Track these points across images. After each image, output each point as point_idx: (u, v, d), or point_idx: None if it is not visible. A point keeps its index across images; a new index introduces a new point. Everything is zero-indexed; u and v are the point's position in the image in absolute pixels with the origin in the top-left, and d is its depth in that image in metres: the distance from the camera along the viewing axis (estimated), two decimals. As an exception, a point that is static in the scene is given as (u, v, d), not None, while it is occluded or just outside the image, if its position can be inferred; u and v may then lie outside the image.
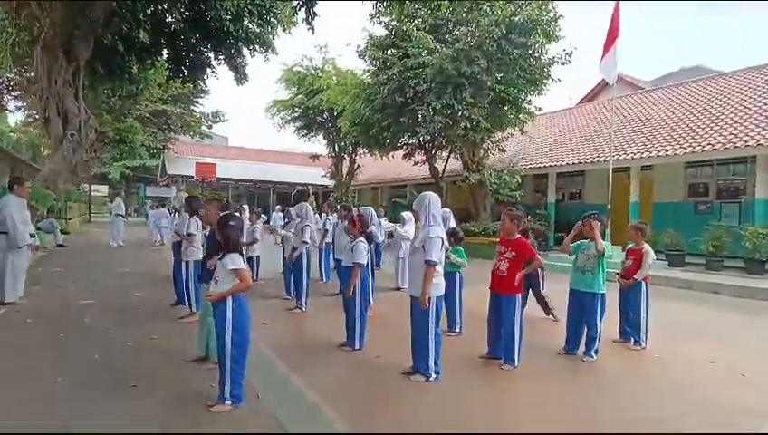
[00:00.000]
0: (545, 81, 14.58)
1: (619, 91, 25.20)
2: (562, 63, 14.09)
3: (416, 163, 18.86)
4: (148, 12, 13.33)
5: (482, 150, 15.97)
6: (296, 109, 24.14)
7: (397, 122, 15.69)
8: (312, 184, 31.34)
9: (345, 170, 25.19)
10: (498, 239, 5.00)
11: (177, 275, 6.28)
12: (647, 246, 5.40)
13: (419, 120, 14.73)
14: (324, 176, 26.76)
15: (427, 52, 13.43)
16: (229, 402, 3.24)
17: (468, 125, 13.64)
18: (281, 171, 31.67)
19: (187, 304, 6.06)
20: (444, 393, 3.73)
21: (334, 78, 22.98)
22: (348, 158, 24.99)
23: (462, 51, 12.82)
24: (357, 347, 4.73)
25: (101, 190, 37.10)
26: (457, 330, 5.45)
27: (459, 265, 5.50)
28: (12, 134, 36.74)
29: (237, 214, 4.36)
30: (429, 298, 3.81)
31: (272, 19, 13.07)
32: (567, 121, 20.21)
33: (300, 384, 3.77)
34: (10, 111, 26.53)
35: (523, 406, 3.61)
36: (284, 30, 13.65)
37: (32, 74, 13.79)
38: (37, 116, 27.29)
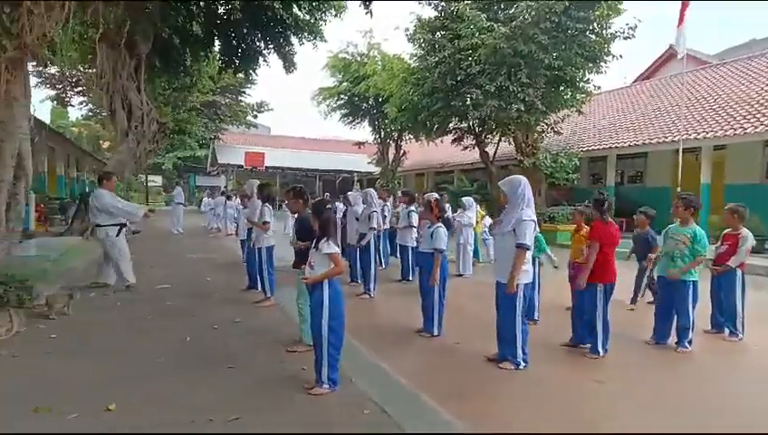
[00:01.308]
0: (606, 57, 13.84)
1: (682, 66, 23.80)
2: (625, 38, 13.29)
3: (465, 148, 18.50)
4: (201, 4, 13.62)
5: (536, 133, 15.43)
6: (341, 96, 24.16)
7: (447, 106, 15.38)
8: (356, 171, 31.53)
9: (391, 157, 25.08)
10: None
11: (249, 260, 6.41)
12: (744, 231, 5.01)
13: (471, 103, 14.38)
14: (370, 163, 26.78)
15: (480, 31, 13.01)
16: (327, 386, 3.26)
17: (523, 107, 13.17)
18: (326, 159, 31.97)
19: (260, 289, 6.20)
20: (538, 382, 3.62)
21: (379, 63, 22.81)
22: (393, 144, 24.85)
23: (518, 28, 12.32)
24: (436, 334, 4.67)
25: (156, 180, 38.76)
26: (535, 317, 5.29)
27: (553, 264, 5.40)
28: (73, 129, 38.97)
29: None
30: (517, 284, 3.68)
31: (324, 5, 13.01)
32: (624, 100, 19.19)
33: (389, 369, 3.76)
34: (73, 107, 28.06)
35: (626, 398, 3.44)
36: (336, 15, 13.57)
37: (94, 70, 14.46)
38: (97, 111, 28.83)
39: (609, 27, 12.88)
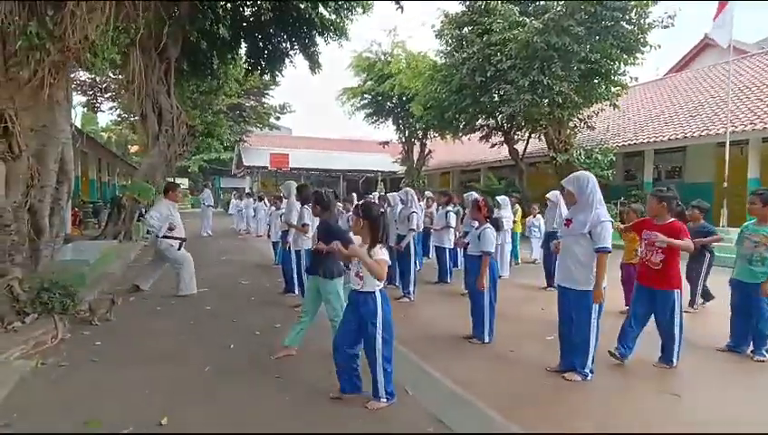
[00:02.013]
0: (642, 48, 13.29)
1: (719, 56, 22.80)
2: (664, 27, 12.74)
3: (493, 145, 18.11)
4: (228, 6, 13.67)
5: (568, 129, 14.97)
6: (365, 96, 24.03)
7: (475, 103, 15.06)
8: (380, 171, 31.38)
9: (416, 156, 24.83)
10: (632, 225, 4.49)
11: (285, 264, 6.29)
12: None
13: (501, 99, 14.03)
14: (395, 162, 26.59)
15: (511, 25, 12.65)
16: (384, 399, 3.08)
17: (560, 100, 12.76)
18: (349, 159, 31.91)
19: (297, 292, 6.07)
20: (610, 395, 3.35)
21: (404, 62, 22.58)
22: (418, 143, 24.60)
23: (552, 21, 11.92)
24: (487, 341, 4.44)
25: (182, 183, 39.42)
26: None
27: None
28: (103, 133, 39.92)
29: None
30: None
31: (351, 3, 12.86)
32: (660, 93, 18.48)
33: (445, 380, 3.54)
34: (103, 112, 28.69)
35: (707, 413, 3.14)
36: (364, 12, 13.40)
37: (122, 76, 14.66)
38: (126, 115, 29.41)
39: (647, 16, 12.35)
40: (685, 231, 3.92)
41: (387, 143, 26.23)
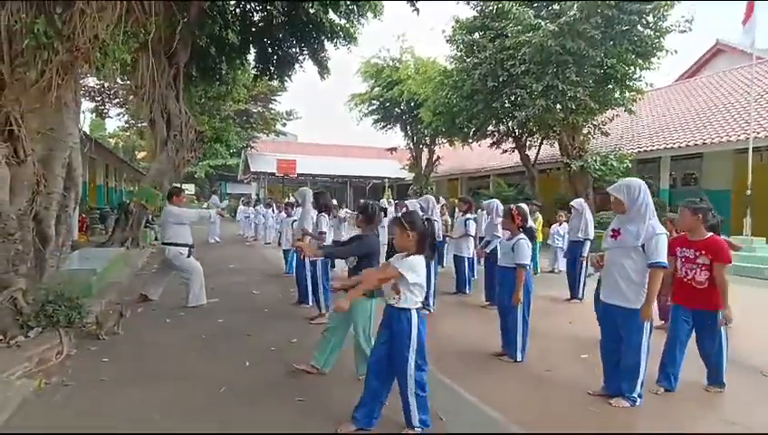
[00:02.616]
0: (658, 52, 13.02)
1: (731, 62, 22.48)
2: (681, 31, 12.47)
3: (504, 151, 17.85)
4: (237, 11, 13.56)
5: (581, 135, 14.69)
6: (373, 101, 23.87)
7: (487, 108, 14.83)
8: (387, 177, 31.17)
9: (424, 162, 24.60)
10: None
11: (300, 274, 6.03)
12: None
13: (514, 104, 13.79)
14: (403, 168, 26.38)
15: (525, 29, 12.42)
16: (418, 428, 2.80)
17: (573, 106, 12.50)
18: (356, 165, 31.74)
19: (311, 303, 5.82)
20: (665, 425, 3.05)
21: (412, 67, 22.43)
22: (427, 149, 24.38)
23: (567, 24, 11.68)
24: (519, 359, 4.14)
25: (189, 189, 39.39)
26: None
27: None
28: (110, 139, 40.01)
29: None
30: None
31: (362, 6, 12.70)
32: (674, 99, 18.16)
33: (481, 404, 3.26)
34: (111, 118, 28.72)
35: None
36: (375, 16, 13.22)
37: (130, 81, 14.52)
38: (134, 121, 29.41)
39: (666, 19, 12.08)
40: (725, 249, 3.61)
41: (394, 149, 26.03)
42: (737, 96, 15.11)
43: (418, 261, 2.79)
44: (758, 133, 11.29)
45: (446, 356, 4.28)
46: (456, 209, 7.75)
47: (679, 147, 13.68)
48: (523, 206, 4.46)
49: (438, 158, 24.31)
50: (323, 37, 14.60)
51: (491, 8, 14.62)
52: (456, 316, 5.90)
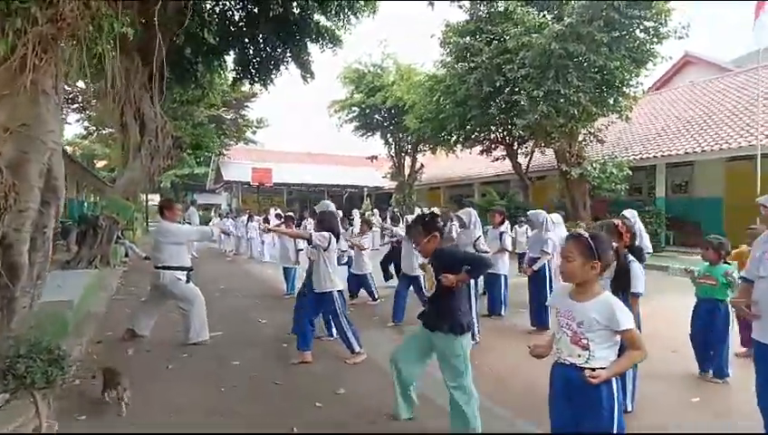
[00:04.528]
0: (652, 59, 12.88)
1: (698, 73, 23.04)
2: (679, 38, 12.34)
3: (496, 159, 17.41)
4: (216, 10, 12.58)
5: (577, 142, 14.37)
6: (354, 108, 23.09)
7: (483, 115, 14.33)
8: (366, 186, 30.37)
9: (407, 171, 23.96)
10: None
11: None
12: None
13: (514, 110, 13.33)
14: (385, 177, 25.65)
15: (528, 30, 11.98)
16: None
17: (576, 112, 12.12)
18: (334, 173, 30.77)
19: (336, 335, 4.93)
20: None
21: (393, 74, 21.85)
22: (410, 157, 23.77)
23: (571, 26, 11.31)
24: (630, 410, 3.37)
25: (154, 199, 37.32)
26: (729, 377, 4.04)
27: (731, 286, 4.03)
28: (68, 147, 37.44)
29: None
30: None
31: (357, 5, 11.93)
32: (659, 107, 18.25)
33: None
34: (69, 124, 26.67)
35: None
36: (369, 15, 12.46)
37: (94, 84, 13.16)
38: (95, 127, 27.45)
39: (666, 24, 11.89)
40: None
41: (375, 157, 25.30)
42: (719, 106, 15.22)
43: (615, 299, 2.03)
44: (761, 141, 11.14)
45: (527, 402, 3.48)
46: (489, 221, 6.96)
47: (677, 154, 13.54)
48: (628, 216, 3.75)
49: (422, 166, 23.74)
50: (307, 39, 13.80)
51: (483, 12, 14.21)
52: (510, 347, 5.12)
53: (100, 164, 36.06)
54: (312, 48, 14.26)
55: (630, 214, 5.98)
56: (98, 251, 10.54)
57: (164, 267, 4.90)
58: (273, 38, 14.00)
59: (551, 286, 5.43)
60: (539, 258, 5.49)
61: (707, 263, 4.21)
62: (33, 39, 2.85)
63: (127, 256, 12.84)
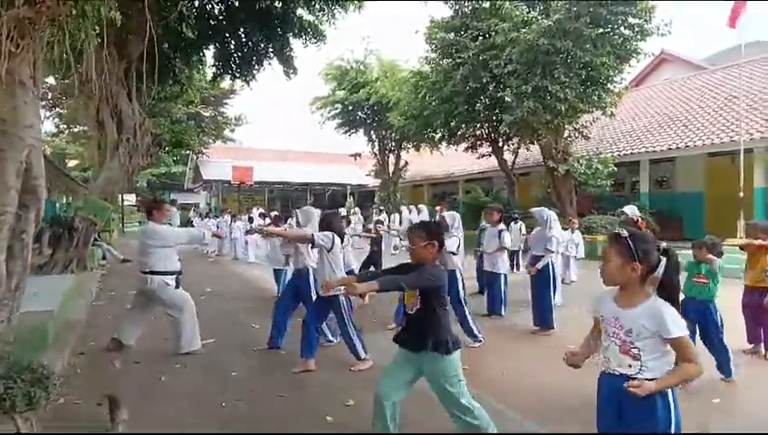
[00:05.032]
0: (635, 55, 13.01)
1: (674, 71, 23.49)
2: (661, 35, 12.46)
3: (482, 156, 17.36)
4: (195, 4, 12.17)
5: (563, 138, 14.43)
6: (336, 105, 22.77)
7: (469, 111, 14.24)
8: (348, 184, 30.09)
9: (391, 168, 23.77)
10: None
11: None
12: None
13: (500, 106, 13.28)
14: (369, 175, 25.42)
15: (516, 25, 11.92)
16: None
17: (563, 108, 12.13)
18: (316, 172, 30.38)
19: (336, 338, 4.75)
20: None
21: (376, 70, 21.62)
22: (393, 154, 23.59)
23: (559, 22, 11.28)
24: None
25: (129, 199, 36.26)
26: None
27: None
28: (36, 146, 36.00)
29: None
30: None
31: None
32: (639, 104, 18.50)
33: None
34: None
35: None
36: (355, 9, 12.19)
37: (64, 80, 12.54)
38: (66, 125, 26.39)
39: (651, 21, 11.98)
40: None
41: (358, 155, 25.05)
42: (705, 101, 15.50)
43: (665, 304, 1.88)
44: (741, 135, 11.33)
45: (544, 407, 3.34)
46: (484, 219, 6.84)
47: (661, 150, 13.72)
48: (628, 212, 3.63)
49: (406, 163, 23.59)
50: (290, 33, 13.49)
51: (469, 7, 14.12)
52: (515, 348, 4.99)
53: (71, 163, 34.82)
54: (295, 43, 14.00)
55: (630, 210, 5.87)
56: (74, 254, 10.04)
57: (152, 272, 4.59)
58: (256, 32, 13.63)
59: (554, 286, 5.33)
60: (542, 256, 5.37)
61: (699, 263, 4.03)
62: (9, 23, 2.55)
63: (104, 258, 12.30)
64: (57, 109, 22.26)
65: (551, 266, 5.32)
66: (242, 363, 4.37)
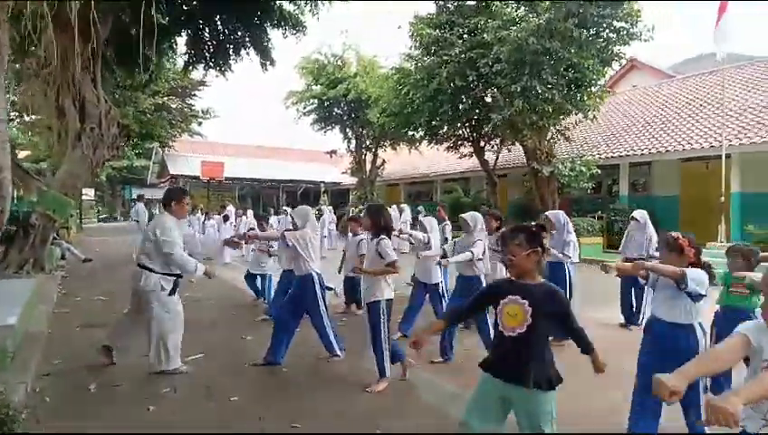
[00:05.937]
0: (616, 59, 13.11)
1: (642, 78, 24.09)
2: (645, 40, 12.55)
3: (463, 156, 17.18)
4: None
5: (546, 140, 14.40)
6: (312, 100, 22.10)
7: (453, 110, 14.01)
8: (323, 181, 29.43)
9: (368, 166, 23.31)
10: None
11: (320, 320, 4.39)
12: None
13: (487, 105, 13.10)
14: (344, 173, 24.86)
15: (505, 24, 11.72)
16: None
17: (550, 109, 12.04)
18: (289, 168, 29.55)
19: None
20: None
21: (354, 66, 21.14)
22: (371, 152, 23.14)
23: (548, 22, 11.15)
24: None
25: (88, 193, 34.30)
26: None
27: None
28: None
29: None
30: None
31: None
32: (611, 108, 18.74)
33: None
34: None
35: None
36: (341, -1, 11.65)
37: (22, 62, 11.42)
38: (17, 113, 24.54)
39: (636, 24, 12.02)
40: None
41: (334, 152, 24.47)
42: (680, 106, 15.84)
43: None
44: (718, 141, 11.52)
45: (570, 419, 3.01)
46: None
47: (641, 154, 13.88)
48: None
49: (384, 162, 23.20)
50: (268, 23, 12.87)
51: (452, 4, 13.90)
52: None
53: (22, 154, 32.57)
54: (274, 34, 13.38)
55: (640, 215, 5.70)
56: (29, 254, 9.12)
57: (151, 270, 4.00)
58: (232, 20, 12.95)
59: (571, 293, 5.05)
60: (558, 263, 5.07)
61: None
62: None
63: (63, 258, 11.30)
64: (8, 95, 20.63)
65: (567, 272, 5.03)
66: (239, 385, 3.84)
